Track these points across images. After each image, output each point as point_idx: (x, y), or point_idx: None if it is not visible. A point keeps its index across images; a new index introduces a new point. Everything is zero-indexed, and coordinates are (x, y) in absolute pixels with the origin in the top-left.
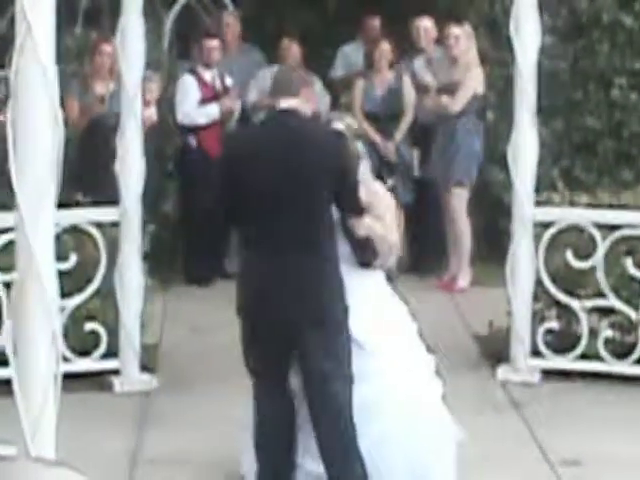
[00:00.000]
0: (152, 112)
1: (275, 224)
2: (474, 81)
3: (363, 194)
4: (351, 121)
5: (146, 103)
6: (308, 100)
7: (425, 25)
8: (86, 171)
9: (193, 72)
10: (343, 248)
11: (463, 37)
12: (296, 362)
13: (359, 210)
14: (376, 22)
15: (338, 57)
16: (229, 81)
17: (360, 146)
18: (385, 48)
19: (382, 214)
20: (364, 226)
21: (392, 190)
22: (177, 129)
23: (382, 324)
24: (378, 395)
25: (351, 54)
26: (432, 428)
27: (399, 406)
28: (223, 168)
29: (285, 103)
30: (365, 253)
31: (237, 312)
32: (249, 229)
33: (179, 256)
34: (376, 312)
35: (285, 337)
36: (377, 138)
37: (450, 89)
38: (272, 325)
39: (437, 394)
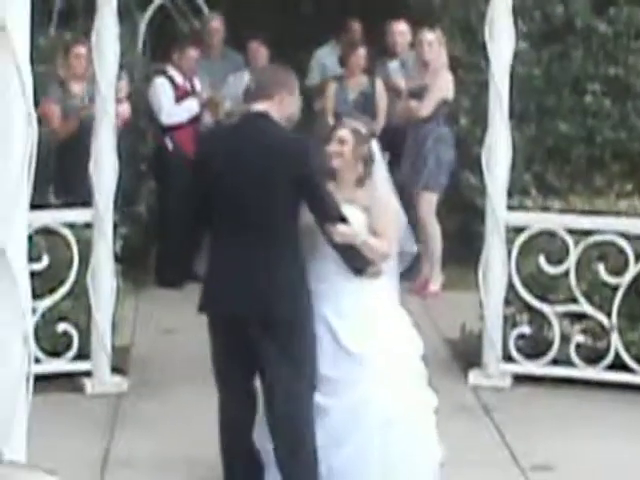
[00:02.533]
0: (125, 108)
1: (235, 226)
2: (443, 86)
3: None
4: (358, 124)
5: (117, 100)
6: (281, 102)
7: (401, 29)
8: (70, 174)
9: (164, 74)
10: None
11: (435, 42)
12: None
13: (331, 217)
14: (357, 25)
15: (313, 63)
16: (197, 84)
17: (374, 147)
18: (361, 54)
19: (377, 222)
20: (339, 233)
21: None
22: (153, 131)
23: (375, 332)
24: (360, 404)
25: (325, 57)
26: (413, 443)
27: (382, 417)
28: (194, 169)
29: (256, 106)
30: (351, 261)
31: (198, 310)
32: (214, 230)
33: (151, 258)
34: (370, 320)
35: (239, 335)
36: None
37: (420, 93)
38: (226, 322)
39: (425, 409)
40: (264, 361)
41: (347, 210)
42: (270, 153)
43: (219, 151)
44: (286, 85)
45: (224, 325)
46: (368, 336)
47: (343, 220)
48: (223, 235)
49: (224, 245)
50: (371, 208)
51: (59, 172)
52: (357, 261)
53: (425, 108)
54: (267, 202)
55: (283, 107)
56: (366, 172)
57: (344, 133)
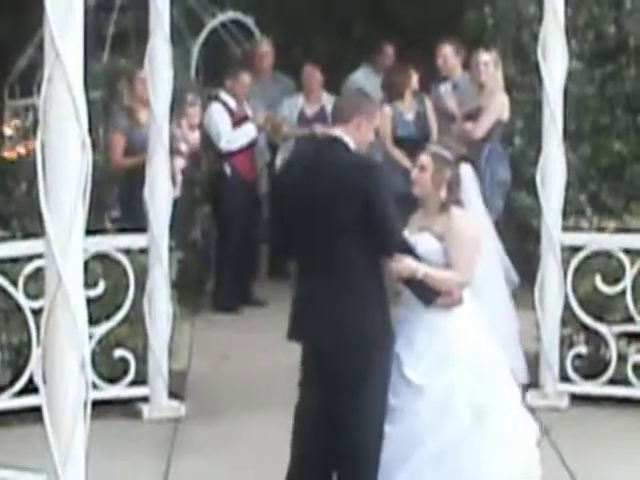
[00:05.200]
0: (196, 136)
1: (310, 253)
2: (498, 107)
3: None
4: (441, 149)
5: (190, 127)
6: (359, 128)
7: (445, 53)
8: (134, 201)
9: (218, 100)
10: None
11: (491, 63)
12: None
13: (389, 249)
14: (390, 50)
15: (348, 85)
16: (248, 108)
17: (464, 172)
18: (414, 77)
19: (451, 250)
20: (395, 270)
21: None
22: (209, 156)
23: (443, 365)
24: (415, 435)
25: (360, 82)
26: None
27: (434, 450)
28: (273, 196)
29: (332, 130)
30: (416, 292)
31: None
32: (296, 257)
33: (207, 282)
34: (440, 351)
35: (316, 364)
36: (408, 164)
37: (475, 115)
38: (306, 351)
39: (485, 445)
40: (336, 390)
41: (422, 238)
42: (336, 180)
43: (293, 179)
44: (364, 111)
45: (305, 354)
46: (434, 368)
47: (412, 253)
48: (301, 263)
49: (303, 273)
50: (445, 236)
51: (122, 199)
52: (422, 292)
53: (480, 129)
54: (335, 229)
55: (360, 133)
56: (450, 198)
57: (424, 159)
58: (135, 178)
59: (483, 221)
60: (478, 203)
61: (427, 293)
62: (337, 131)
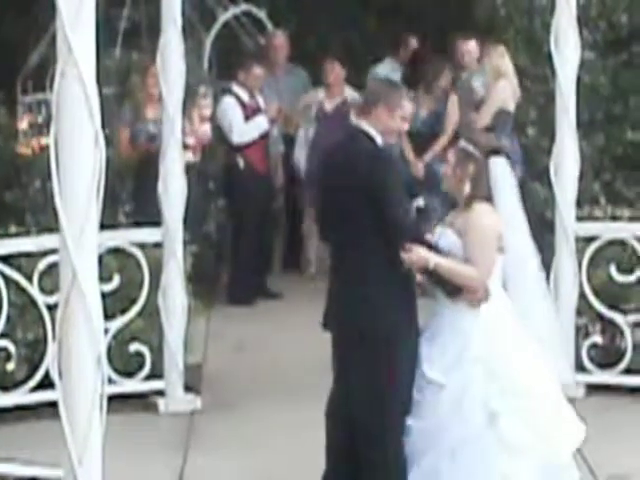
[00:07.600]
0: (207, 128)
1: (332, 241)
2: (498, 94)
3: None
4: (462, 143)
5: (201, 119)
6: (378, 117)
7: (469, 48)
8: (141, 195)
9: (230, 93)
10: None
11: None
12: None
13: (396, 239)
14: (414, 41)
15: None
16: (261, 100)
17: (496, 166)
18: (448, 75)
19: (468, 246)
20: (406, 261)
21: (422, 209)
22: (222, 149)
23: (461, 360)
24: (433, 429)
25: (386, 74)
26: (476, 473)
27: (450, 445)
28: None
29: (356, 121)
30: (438, 285)
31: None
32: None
33: (222, 276)
34: (459, 347)
35: (334, 352)
36: (411, 156)
37: (480, 105)
38: (332, 338)
39: (500, 441)
40: (349, 377)
41: (445, 233)
42: (347, 171)
43: (318, 172)
44: (384, 101)
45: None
46: (451, 366)
47: (425, 243)
48: (331, 255)
49: (333, 265)
50: (464, 231)
51: (130, 193)
52: (443, 285)
53: (482, 118)
54: (352, 222)
55: (381, 123)
56: (474, 193)
57: (449, 154)
58: (143, 172)
59: (516, 215)
60: (511, 197)
61: (447, 286)
62: (362, 123)
